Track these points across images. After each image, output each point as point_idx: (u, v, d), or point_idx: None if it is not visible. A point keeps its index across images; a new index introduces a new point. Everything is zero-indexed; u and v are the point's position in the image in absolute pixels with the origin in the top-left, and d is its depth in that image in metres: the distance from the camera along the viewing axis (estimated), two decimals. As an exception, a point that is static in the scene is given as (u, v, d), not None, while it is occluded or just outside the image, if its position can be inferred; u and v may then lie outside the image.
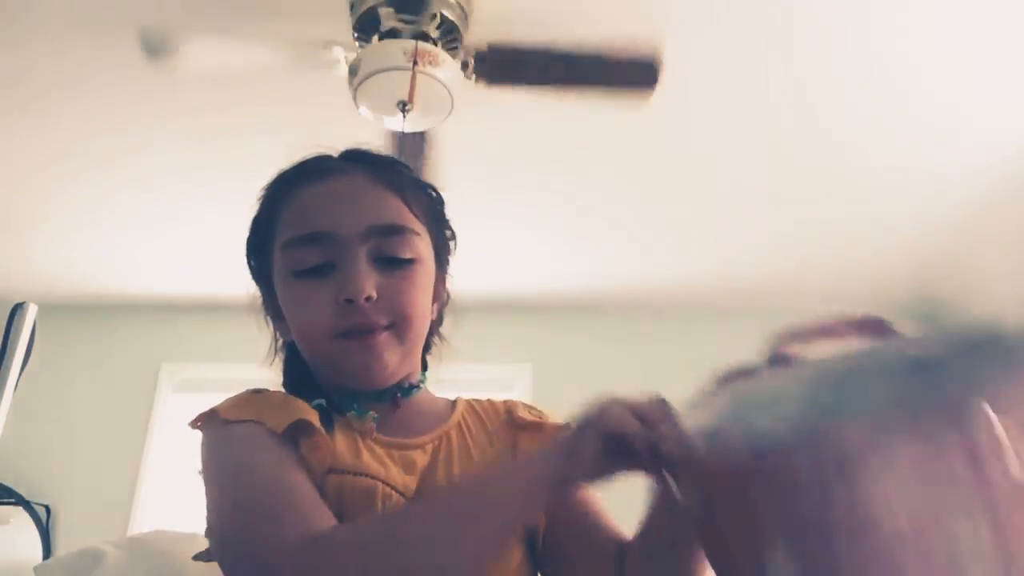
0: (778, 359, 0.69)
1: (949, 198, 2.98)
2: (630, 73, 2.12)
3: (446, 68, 2.11)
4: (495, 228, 3.03)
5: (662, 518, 0.78)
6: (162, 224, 3.20)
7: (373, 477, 0.76)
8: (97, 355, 3.71)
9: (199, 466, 0.77)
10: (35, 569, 1.05)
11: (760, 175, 2.90)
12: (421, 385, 0.89)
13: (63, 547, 3.30)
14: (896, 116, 2.58)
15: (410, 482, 0.78)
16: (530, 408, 0.91)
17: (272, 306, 0.88)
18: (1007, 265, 3.22)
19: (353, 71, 2.11)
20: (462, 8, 2.14)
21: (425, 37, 2.10)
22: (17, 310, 1.80)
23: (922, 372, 0.56)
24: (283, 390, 0.87)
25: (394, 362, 0.81)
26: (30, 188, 2.98)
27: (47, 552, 3.27)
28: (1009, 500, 0.51)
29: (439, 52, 2.10)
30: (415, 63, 2.04)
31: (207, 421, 0.78)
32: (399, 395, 0.85)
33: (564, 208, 3.08)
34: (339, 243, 0.80)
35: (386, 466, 0.78)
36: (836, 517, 0.52)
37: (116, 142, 2.73)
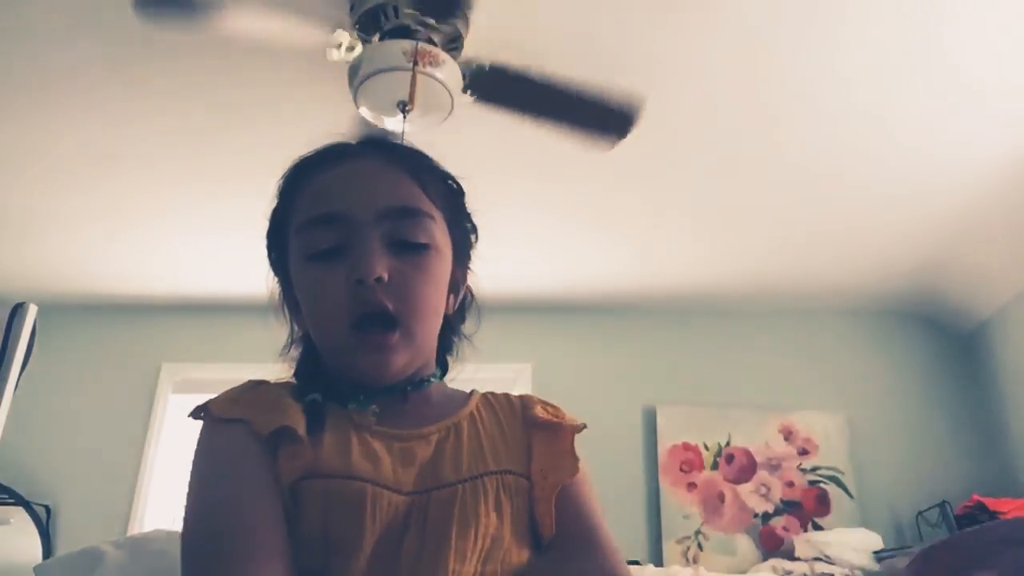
0: None
1: (949, 199, 2.98)
2: (606, 118, 2.21)
3: (446, 68, 2.11)
4: (495, 228, 3.02)
5: None
6: (162, 224, 3.20)
7: (362, 479, 0.74)
8: (97, 355, 3.71)
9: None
10: (35, 569, 1.05)
11: (760, 176, 2.90)
12: (432, 379, 0.87)
13: (63, 547, 3.30)
14: (896, 117, 2.58)
15: (406, 476, 0.76)
16: (546, 405, 0.89)
17: (290, 298, 0.87)
18: (1007, 265, 3.22)
19: (353, 71, 2.11)
20: (467, 19, 2.16)
21: (429, 41, 2.11)
22: (17, 310, 1.80)
23: None
24: (284, 380, 0.87)
25: (404, 361, 0.81)
26: (30, 188, 2.98)
27: (47, 552, 3.27)
28: None
29: (439, 52, 2.10)
30: (415, 63, 2.04)
31: (202, 414, 0.80)
32: (409, 388, 0.84)
33: (564, 209, 3.08)
34: (352, 225, 0.79)
35: (379, 462, 0.76)
36: None
37: (116, 142, 2.73)
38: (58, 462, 3.44)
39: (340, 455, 0.76)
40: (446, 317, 0.89)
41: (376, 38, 2.14)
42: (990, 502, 3.00)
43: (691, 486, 3.44)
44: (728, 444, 3.51)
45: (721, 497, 3.42)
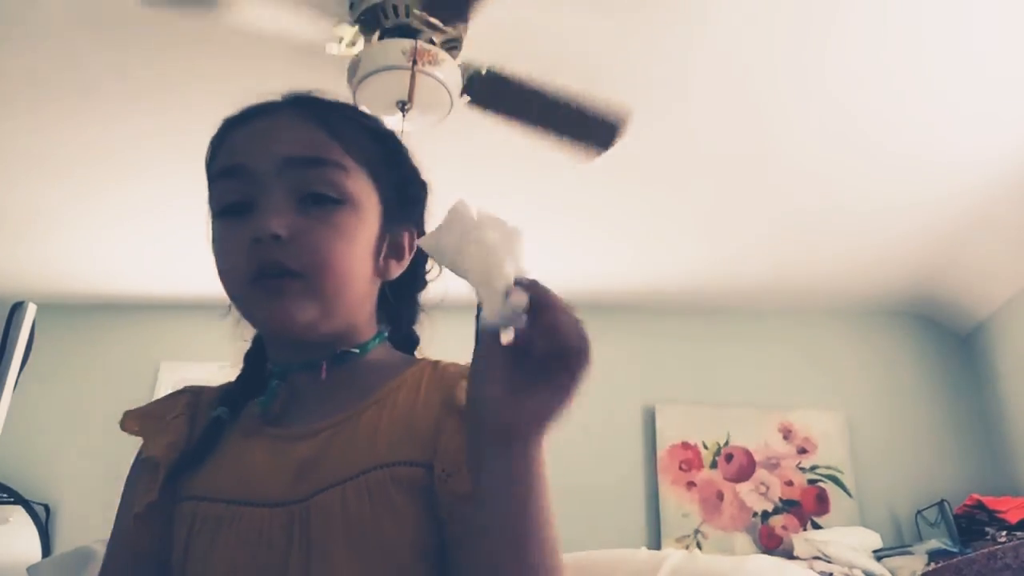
0: None
1: (948, 199, 2.98)
2: (591, 129, 2.23)
3: (446, 68, 2.11)
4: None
5: None
6: (162, 224, 3.20)
7: (223, 501, 0.71)
8: (97, 355, 3.71)
9: None
10: (28, 569, 1.05)
11: (760, 176, 2.90)
12: (356, 351, 0.78)
13: (62, 546, 3.30)
14: (896, 117, 2.58)
15: (286, 484, 0.70)
16: None
17: None
18: (1006, 265, 3.22)
19: (352, 70, 2.11)
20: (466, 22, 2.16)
21: (429, 41, 2.11)
22: (17, 310, 1.80)
23: None
24: (220, 384, 0.86)
25: (309, 315, 0.72)
26: (30, 188, 2.98)
27: (46, 551, 3.27)
28: None
29: (439, 52, 2.10)
30: (415, 63, 2.04)
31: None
32: (325, 363, 0.76)
33: (563, 208, 3.08)
34: (254, 178, 0.74)
35: (254, 473, 0.72)
36: None
37: (116, 143, 2.73)
38: (57, 462, 3.45)
39: (214, 474, 0.74)
40: (392, 284, 0.82)
41: (376, 37, 2.14)
42: (989, 501, 3.00)
43: (690, 485, 3.44)
44: (727, 443, 3.51)
45: (720, 496, 3.42)
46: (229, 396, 0.81)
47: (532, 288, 0.59)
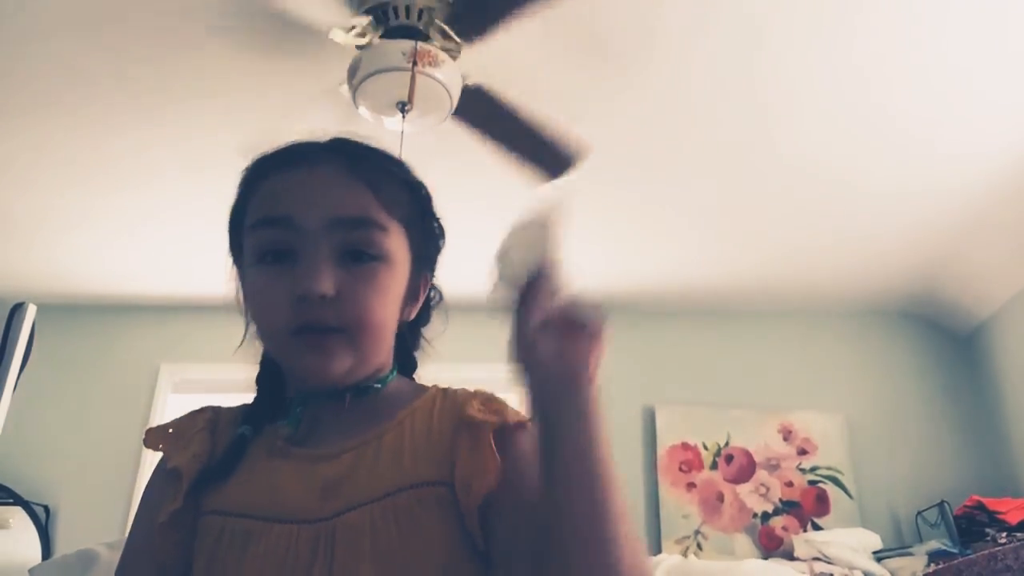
0: None
1: (948, 199, 2.98)
2: (549, 156, 2.36)
3: (445, 69, 2.11)
4: (493, 228, 3.02)
5: None
6: (162, 224, 3.20)
7: (251, 516, 0.73)
8: (97, 355, 3.71)
9: None
10: (30, 571, 1.05)
11: (759, 176, 2.90)
12: (378, 385, 0.83)
13: (62, 548, 3.30)
14: (895, 117, 2.58)
15: (314, 502, 0.73)
16: (488, 403, 0.80)
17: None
18: (1007, 265, 3.22)
19: (352, 71, 2.11)
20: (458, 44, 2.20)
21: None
22: (17, 310, 1.80)
23: None
24: (238, 405, 0.88)
25: (346, 366, 0.77)
26: (30, 188, 2.98)
27: (46, 552, 3.27)
28: None
29: (439, 52, 2.10)
30: (415, 63, 2.04)
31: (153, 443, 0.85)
32: (349, 395, 0.81)
33: (562, 208, 3.07)
34: (301, 232, 0.77)
35: (282, 491, 0.75)
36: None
37: (116, 142, 2.73)
38: (57, 462, 3.44)
39: (241, 490, 0.76)
40: (405, 323, 0.87)
41: (378, 36, 2.14)
42: (989, 502, 3.00)
43: (690, 486, 3.44)
44: (727, 444, 3.51)
45: (720, 497, 3.42)
46: (252, 415, 0.84)
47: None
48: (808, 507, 3.39)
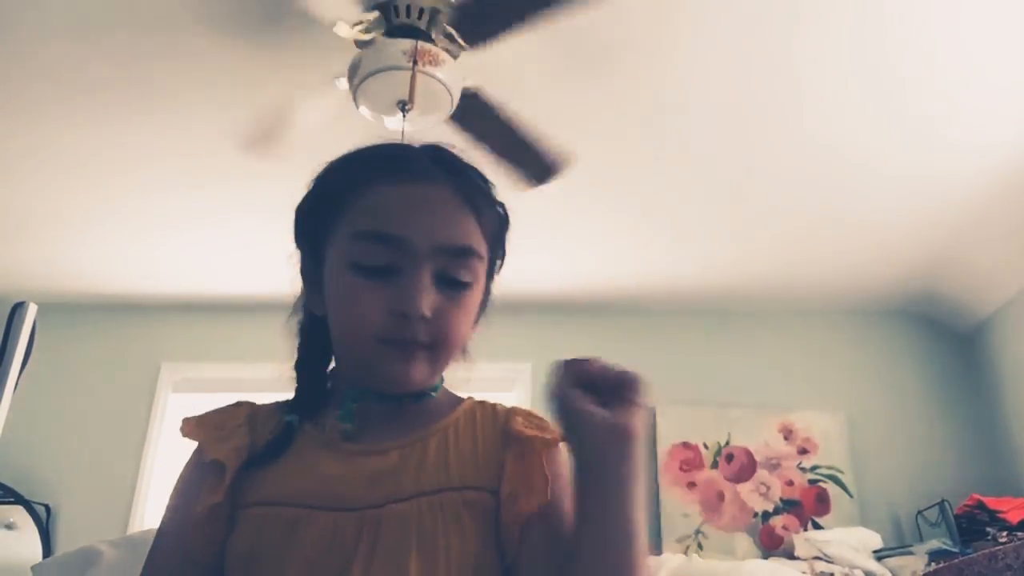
0: None
1: (949, 198, 2.98)
2: (533, 162, 2.41)
3: (446, 68, 2.11)
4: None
5: None
6: (162, 224, 3.20)
7: (296, 505, 0.75)
8: (97, 355, 3.71)
9: None
10: (33, 568, 1.06)
11: (760, 177, 2.90)
12: (433, 394, 0.87)
13: (63, 547, 3.30)
14: (896, 117, 2.58)
15: (360, 491, 0.76)
16: (529, 418, 0.85)
17: (310, 274, 0.87)
18: (1007, 265, 3.22)
19: (353, 70, 2.11)
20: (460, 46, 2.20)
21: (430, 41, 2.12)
22: (17, 310, 1.80)
23: None
24: (276, 401, 0.88)
25: (424, 378, 0.81)
26: (30, 188, 2.98)
27: (47, 551, 3.27)
28: None
29: (439, 52, 2.10)
30: (415, 63, 2.04)
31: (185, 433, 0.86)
32: (404, 400, 0.84)
33: (563, 209, 3.08)
34: (409, 253, 0.79)
35: (328, 480, 0.77)
36: None
37: (117, 143, 2.73)
38: (58, 462, 3.44)
39: (285, 479, 0.78)
40: None
41: (380, 33, 2.14)
42: (990, 501, 3.00)
43: (691, 485, 3.44)
44: (728, 443, 3.51)
45: (721, 496, 3.42)
46: (296, 406, 0.86)
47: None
48: (808, 506, 3.39)
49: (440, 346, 0.80)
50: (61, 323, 3.59)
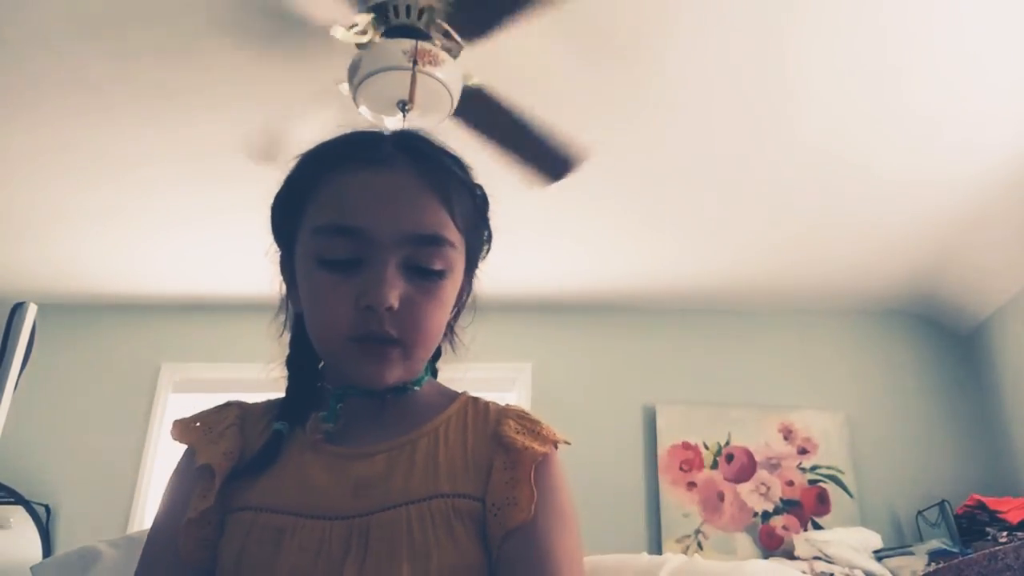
0: None
1: (949, 199, 2.98)
2: (549, 158, 2.38)
3: (446, 68, 2.11)
4: (494, 228, 3.02)
5: None
6: (162, 224, 3.20)
7: (284, 512, 0.74)
8: (97, 355, 3.71)
9: None
10: (32, 569, 1.05)
11: (760, 177, 2.90)
12: (415, 387, 0.84)
13: (63, 547, 3.30)
14: (896, 117, 2.58)
15: (347, 499, 0.74)
16: (523, 421, 0.82)
17: (289, 271, 0.85)
18: (1007, 265, 3.21)
19: (353, 70, 2.11)
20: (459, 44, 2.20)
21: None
22: (17, 310, 1.80)
23: None
24: (265, 400, 0.88)
25: (398, 375, 0.78)
26: (31, 188, 2.98)
27: (47, 551, 3.27)
28: None
29: (439, 52, 2.10)
30: (415, 63, 2.04)
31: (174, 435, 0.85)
32: (388, 395, 0.82)
33: (564, 209, 3.08)
34: (372, 243, 0.76)
35: (313, 487, 0.76)
36: None
37: (116, 143, 2.73)
38: (58, 462, 3.44)
39: (272, 485, 0.77)
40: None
41: (379, 35, 2.14)
42: (990, 501, 3.00)
43: (691, 485, 3.44)
44: (728, 443, 3.51)
45: (721, 496, 3.42)
46: (287, 411, 0.84)
47: None
48: (808, 506, 3.39)
49: (412, 339, 0.77)
50: (61, 323, 3.60)
